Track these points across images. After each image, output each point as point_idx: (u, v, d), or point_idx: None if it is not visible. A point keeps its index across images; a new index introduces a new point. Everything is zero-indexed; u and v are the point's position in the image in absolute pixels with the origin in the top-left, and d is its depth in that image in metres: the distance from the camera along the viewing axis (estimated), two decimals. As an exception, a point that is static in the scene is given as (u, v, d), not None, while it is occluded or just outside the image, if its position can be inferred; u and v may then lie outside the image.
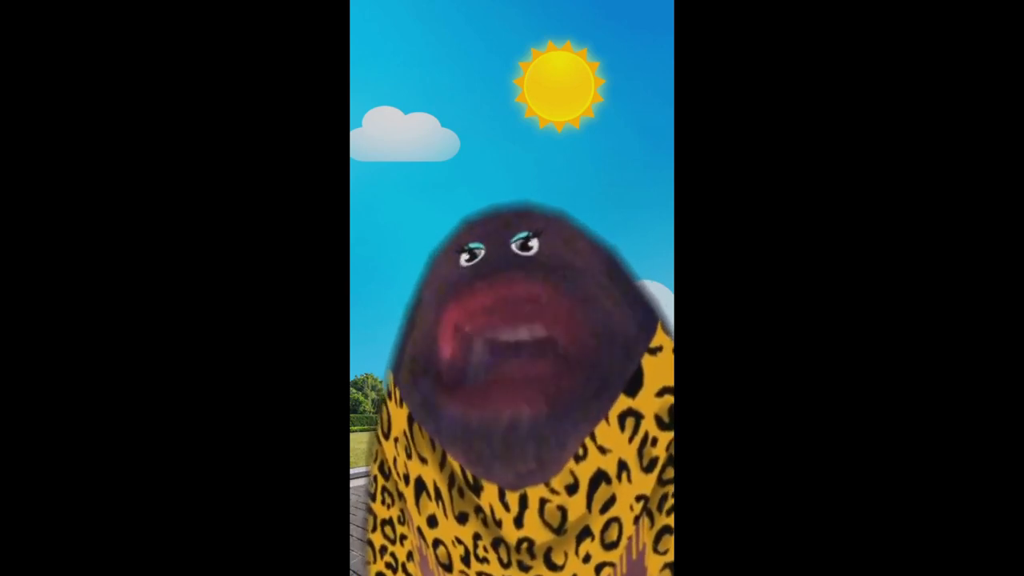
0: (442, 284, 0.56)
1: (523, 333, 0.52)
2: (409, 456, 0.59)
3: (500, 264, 0.54)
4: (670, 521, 0.53)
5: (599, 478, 0.50)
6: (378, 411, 0.66)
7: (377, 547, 0.68)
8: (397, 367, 0.61)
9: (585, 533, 0.51)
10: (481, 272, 0.54)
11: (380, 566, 0.68)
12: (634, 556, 0.52)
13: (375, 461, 0.68)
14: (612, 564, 0.52)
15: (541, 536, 0.52)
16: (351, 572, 1.76)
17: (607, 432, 0.50)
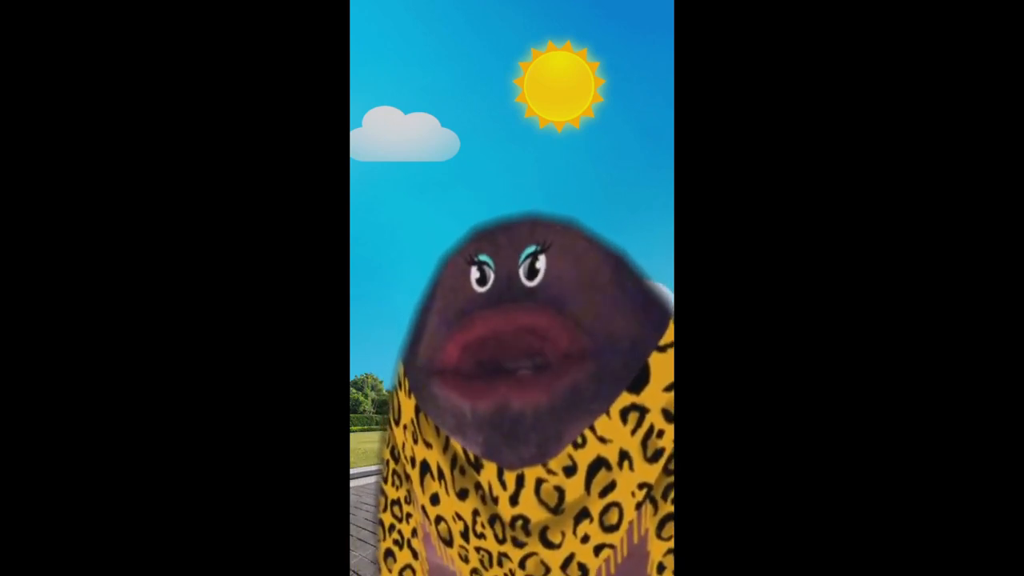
0: (452, 301, 0.60)
1: (524, 362, 0.55)
2: (416, 441, 0.64)
3: (508, 293, 0.57)
4: None
5: (598, 464, 0.53)
6: (389, 399, 0.70)
7: (386, 525, 0.72)
8: (408, 361, 0.64)
9: (584, 515, 0.54)
10: (491, 301, 0.58)
11: (388, 543, 0.71)
12: (635, 540, 0.54)
13: (387, 445, 0.72)
14: (612, 546, 0.54)
15: (537, 515, 0.54)
16: (351, 572, 1.76)
17: (608, 425, 0.53)
